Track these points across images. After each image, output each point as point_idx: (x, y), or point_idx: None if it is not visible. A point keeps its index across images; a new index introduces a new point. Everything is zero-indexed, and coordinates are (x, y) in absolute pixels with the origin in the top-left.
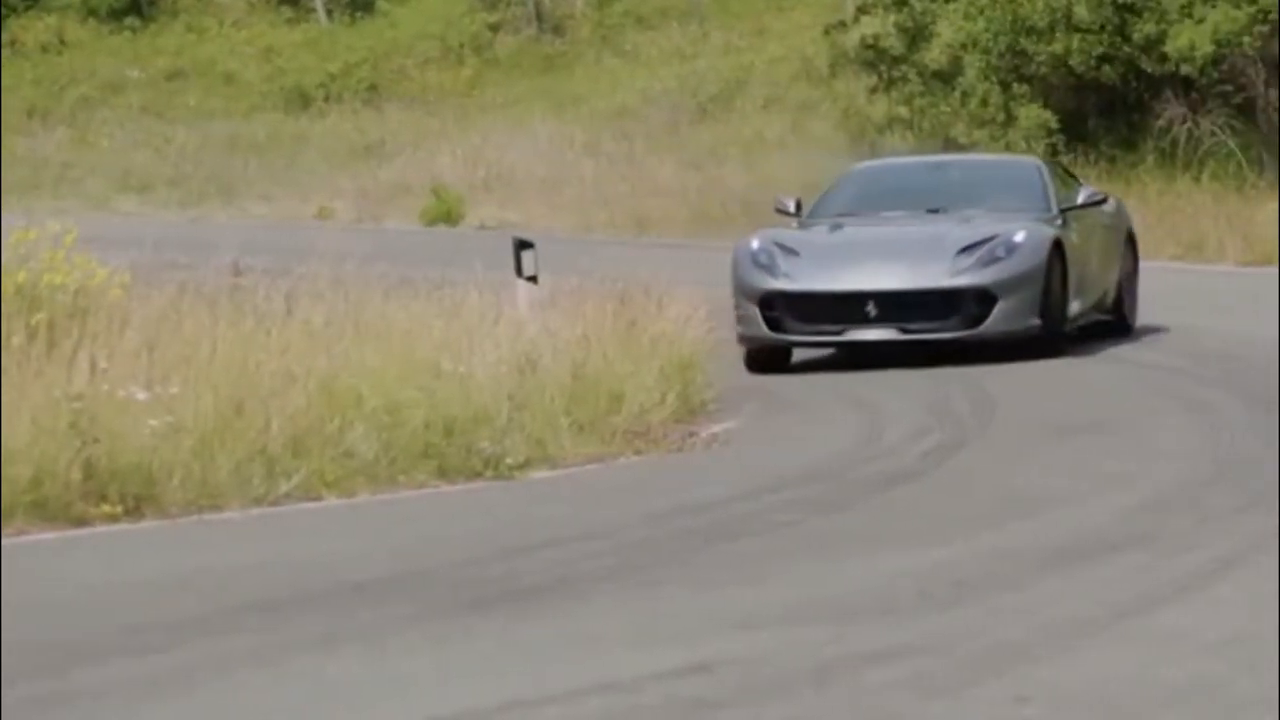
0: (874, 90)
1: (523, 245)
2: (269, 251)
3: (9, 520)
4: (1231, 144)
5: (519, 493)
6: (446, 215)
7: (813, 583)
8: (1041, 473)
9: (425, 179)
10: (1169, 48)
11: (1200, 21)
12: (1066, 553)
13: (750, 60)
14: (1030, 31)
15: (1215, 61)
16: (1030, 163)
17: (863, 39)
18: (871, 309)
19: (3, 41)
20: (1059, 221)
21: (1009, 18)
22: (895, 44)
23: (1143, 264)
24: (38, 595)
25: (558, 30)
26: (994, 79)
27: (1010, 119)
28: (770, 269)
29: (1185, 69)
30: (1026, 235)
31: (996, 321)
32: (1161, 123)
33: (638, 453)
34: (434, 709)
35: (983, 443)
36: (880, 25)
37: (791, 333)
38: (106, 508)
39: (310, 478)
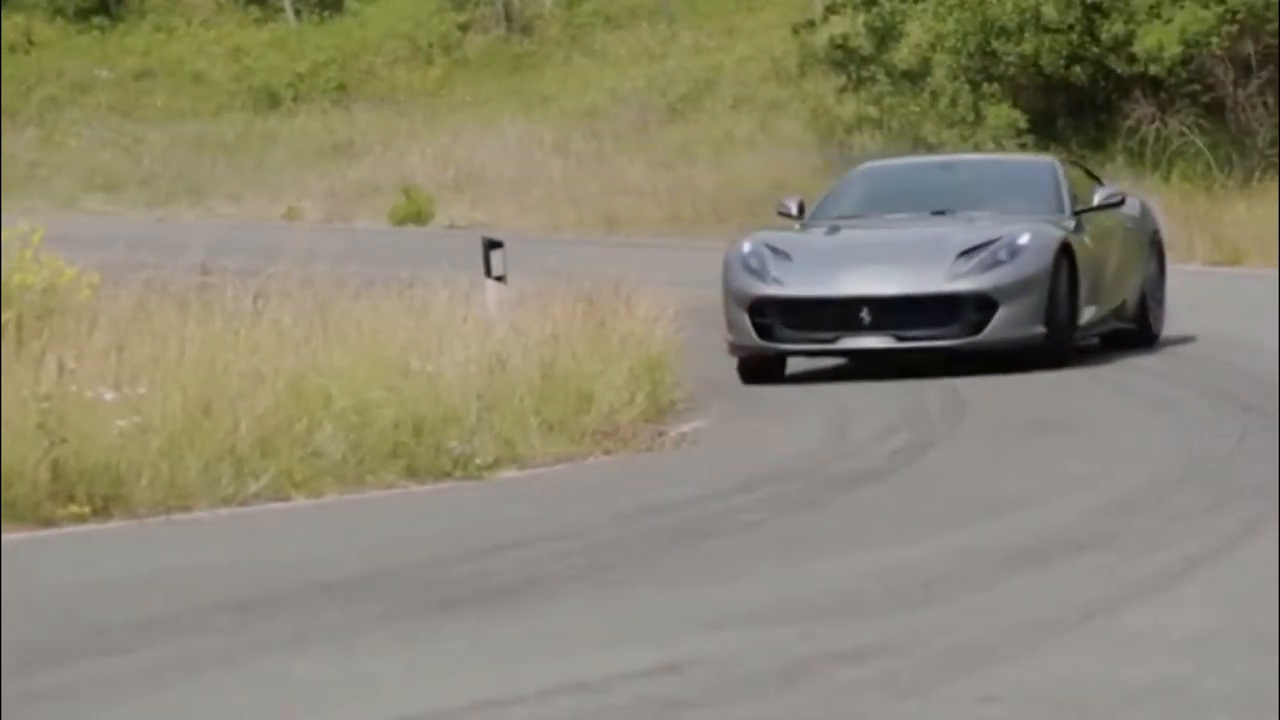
0: (843, 90)
1: (491, 245)
2: (238, 251)
3: None
4: (1200, 144)
5: (488, 493)
6: (416, 215)
7: (782, 582)
8: (1009, 473)
9: (394, 179)
10: (1137, 48)
11: (1168, 22)
12: (1034, 553)
13: (719, 60)
14: (1000, 32)
15: (1184, 61)
16: (1044, 162)
17: (831, 39)
18: (865, 316)
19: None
20: (1071, 223)
21: (978, 18)
22: (864, 44)
23: None
24: (6, 595)
25: (527, 30)
26: (963, 79)
27: (979, 119)
28: (761, 273)
29: (1154, 69)
30: (1031, 237)
31: (997, 329)
32: (1130, 122)
33: (607, 452)
34: (403, 709)
35: (951, 443)
36: (849, 25)
37: (783, 341)
38: (74, 508)
39: (279, 478)
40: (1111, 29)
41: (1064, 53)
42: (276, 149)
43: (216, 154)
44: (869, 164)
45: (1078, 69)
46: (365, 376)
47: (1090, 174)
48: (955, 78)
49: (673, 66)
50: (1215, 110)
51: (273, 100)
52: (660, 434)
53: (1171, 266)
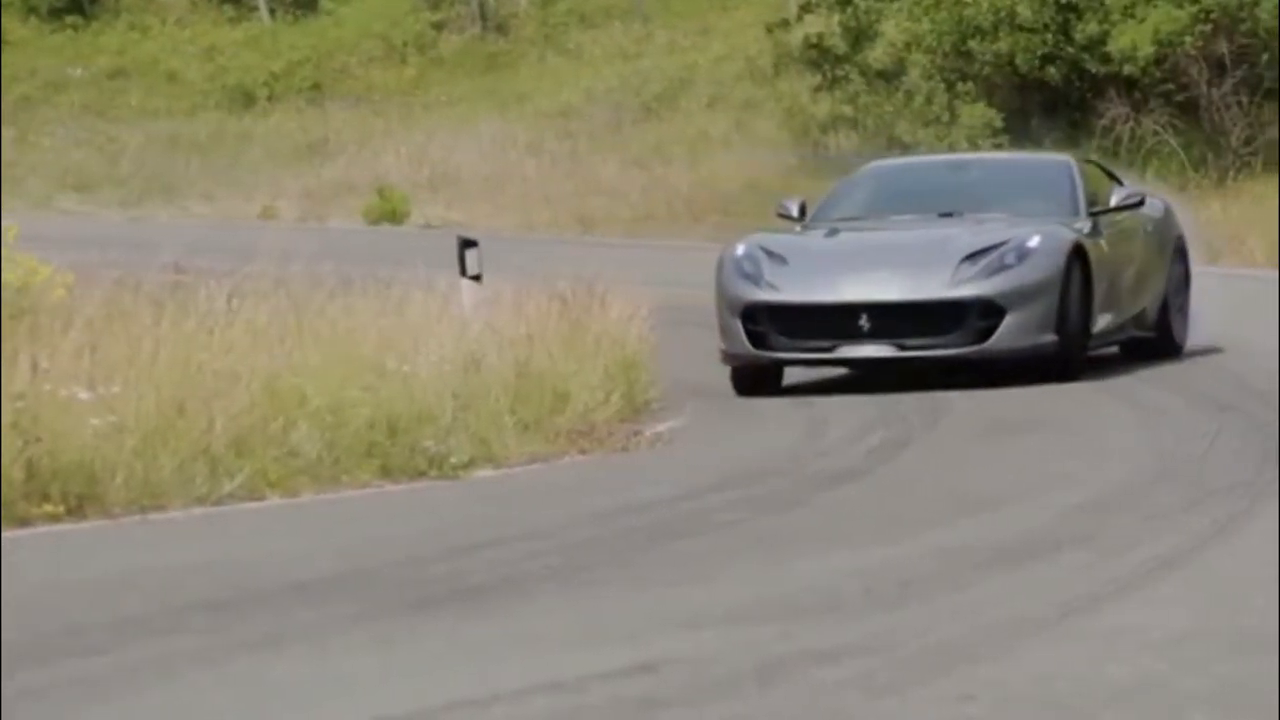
0: (818, 89)
1: (467, 244)
2: (212, 251)
3: None
4: (1174, 143)
5: (463, 492)
6: (390, 214)
7: (759, 582)
8: (987, 472)
9: (369, 178)
10: (1111, 47)
11: (1142, 21)
12: (1012, 552)
13: (694, 59)
14: (975, 31)
15: (1158, 61)
16: (1060, 161)
17: (806, 38)
18: (865, 323)
19: None
20: (1086, 225)
21: (954, 18)
22: (839, 43)
23: None
24: None
25: (501, 29)
26: (938, 78)
27: (954, 118)
28: (755, 278)
29: (1128, 69)
30: (1041, 240)
31: (1004, 337)
32: (1104, 122)
33: (582, 452)
34: (379, 709)
35: (928, 442)
36: (824, 24)
37: (777, 349)
38: (48, 507)
39: (253, 477)
40: (1086, 28)
41: (1039, 52)
42: (251, 148)
43: (191, 153)
44: (875, 163)
45: (1052, 68)
46: (340, 376)
47: (1110, 173)
48: (930, 77)
49: (647, 66)
50: (1189, 109)
51: (247, 99)
52: (636, 433)
53: None
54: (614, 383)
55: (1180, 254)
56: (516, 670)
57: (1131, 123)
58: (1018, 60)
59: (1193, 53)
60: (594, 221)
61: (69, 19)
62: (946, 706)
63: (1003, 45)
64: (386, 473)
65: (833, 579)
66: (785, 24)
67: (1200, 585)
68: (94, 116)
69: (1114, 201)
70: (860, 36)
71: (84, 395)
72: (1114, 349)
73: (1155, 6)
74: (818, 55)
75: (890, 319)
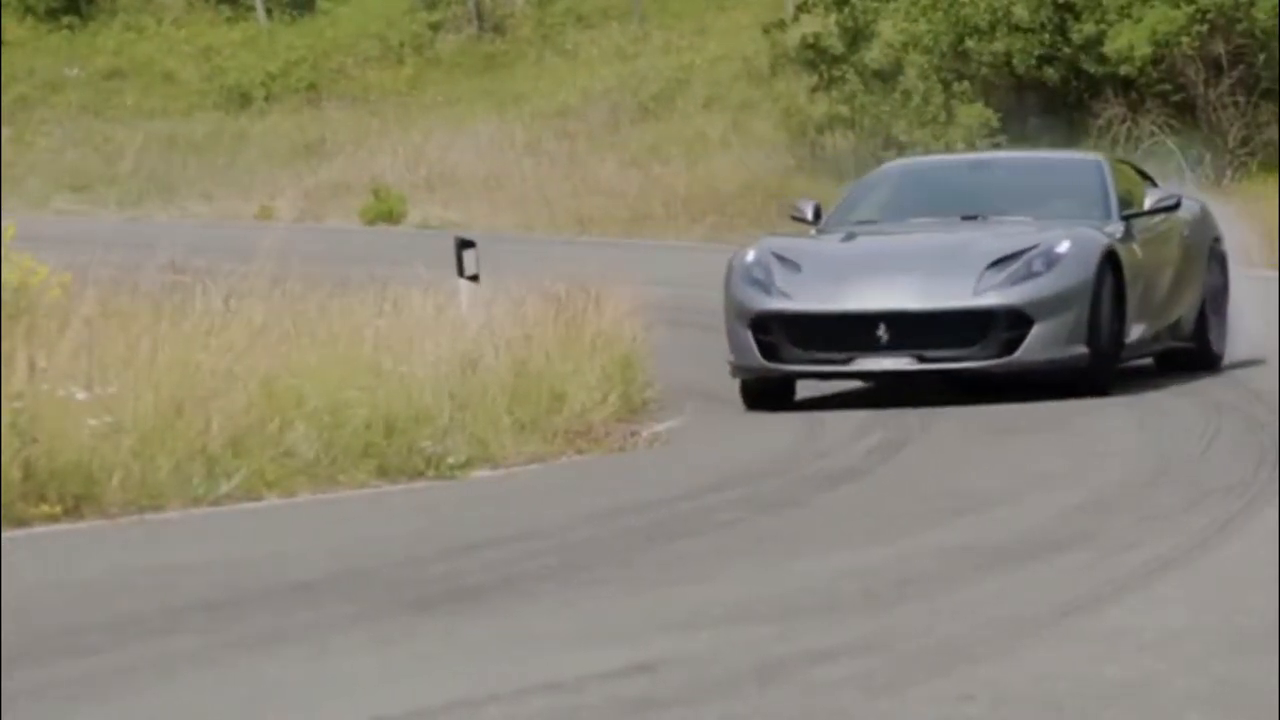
0: (815, 89)
1: (464, 244)
2: (209, 250)
3: None
4: (1171, 143)
5: (461, 492)
6: (387, 214)
7: (756, 581)
8: (985, 472)
9: (366, 178)
10: (1108, 48)
11: (1139, 21)
12: (1010, 551)
13: (691, 59)
14: (972, 31)
15: (1154, 61)
16: (1090, 161)
17: (803, 38)
18: (882, 334)
19: None
20: (1119, 229)
21: (951, 18)
22: (836, 43)
23: None
24: None
25: (498, 29)
26: (935, 78)
27: (951, 118)
28: (766, 285)
29: (1125, 69)
30: (1071, 245)
31: (1032, 349)
32: (1101, 122)
33: (580, 452)
34: (377, 709)
35: (927, 442)
36: (821, 24)
37: (789, 361)
38: (46, 508)
39: (251, 477)
40: (1083, 29)
41: (1036, 52)
42: (248, 148)
43: (188, 153)
44: (893, 163)
45: (1049, 69)
46: (338, 376)
47: (1143, 174)
48: (927, 77)
49: (644, 66)
50: (1186, 110)
51: (244, 100)
52: (634, 433)
53: None
54: (611, 383)
55: (1218, 259)
56: (514, 670)
57: (1128, 123)
58: (1015, 60)
59: (1190, 53)
60: (591, 221)
61: (66, 19)
62: (945, 706)
63: (1000, 45)
64: (384, 473)
65: (831, 579)
66: (782, 24)
67: (1196, 585)
68: (91, 117)
69: (1148, 204)
70: (857, 37)
71: (81, 395)
72: (1148, 361)
73: (1152, 7)
74: (815, 55)
75: (910, 329)
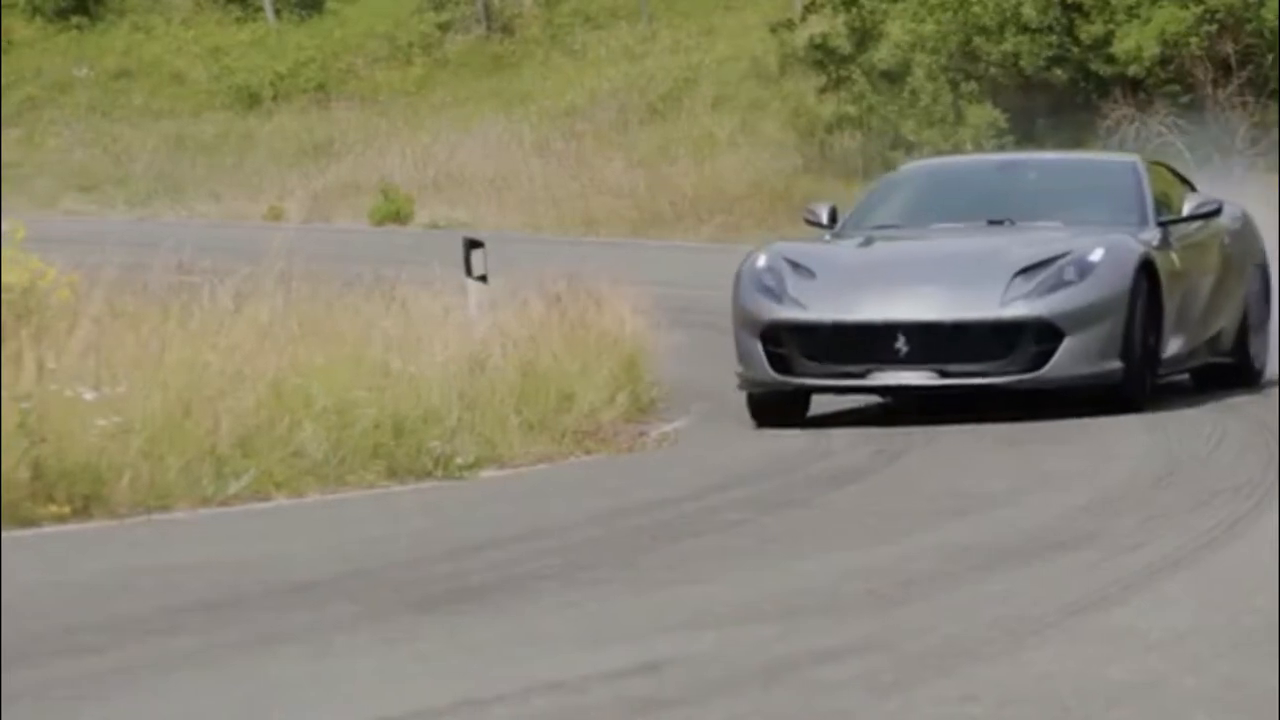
0: (823, 89)
1: (472, 245)
2: (218, 251)
3: None
4: (1179, 144)
5: (469, 492)
6: (395, 215)
7: (761, 581)
8: (989, 472)
9: (374, 178)
10: (1116, 48)
11: (1147, 22)
12: (1014, 551)
13: (699, 59)
14: (980, 31)
15: (1163, 61)
16: (1125, 163)
17: (811, 38)
18: (901, 346)
19: None
20: (1156, 236)
21: (959, 18)
22: (844, 43)
23: None
24: None
25: (506, 29)
26: (943, 78)
27: (959, 118)
28: (777, 293)
29: (1133, 69)
30: (1105, 253)
31: (1062, 364)
32: (1109, 122)
33: (588, 452)
34: (381, 709)
35: (931, 442)
36: (829, 24)
37: (802, 374)
38: (54, 508)
39: (259, 478)
40: (1091, 29)
41: (1044, 53)
42: (256, 148)
43: (196, 154)
44: (916, 163)
45: (1058, 69)
46: (346, 376)
47: (1182, 177)
48: (935, 78)
49: (652, 66)
50: (1195, 110)
51: (252, 100)
52: (641, 434)
53: None
54: (619, 383)
55: (1260, 268)
56: (519, 670)
57: (1137, 123)
58: (1023, 61)
59: (1198, 53)
60: (599, 222)
61: (74, 19)
62: (949, 707)
63: (1008, 46)
64: (392, 473)
65: (836, 579)
66: (790, 24)
67: (1201, 585)
68: (99, 117)
69: (1187, 209)
70: (865, 37)
71: (90, 396)
72: (1185, 377)
73: (1160, 7)
74: (823, 56)
75: (930, 341)
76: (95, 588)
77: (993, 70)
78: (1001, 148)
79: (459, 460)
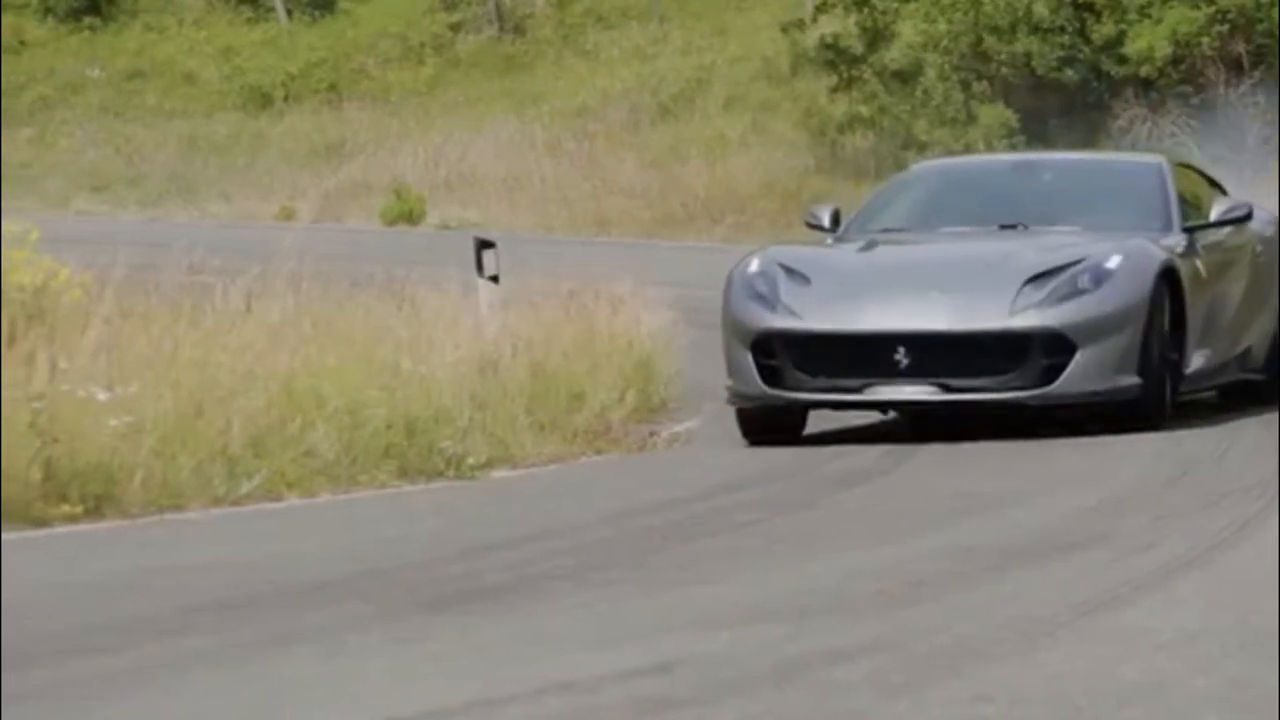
0: (834, 90)
1: (484, 245)
2: (229, 251)
3: None
4: (1191, 144)
5: (480, 492)
6: (407, 215)
7: (772, 582)
8: (1000, 472)
9: (386, 178)
10: (1128, 48)
11: (1159, 22)
12: (1025, 552)
13: (711, 60)
14: (992, 31)
15: (1175, 62)
16: (1149, 164)
17: (822, 38)
18: (902, 358)
19: None
20: (1180, 242)
21: (970, 18)
22: (855, 44)
23: None
24: None
25: (518, 30)
26: (954, 78)
27: (971, 118)
28: (769, 300)
29: (1145, 69)
30: (1123, 260)
31: (1074, 379)
32: (1121, 122)
33: (599, 452)
34: (393, 709)
35: (941, 442)
36: (840, 24)
37: (795, 388)
38: (66, 508)
39: (271, 478)
40: (1103, 29)
41: (1056, 53)
42: (268, 149)
43: (208, 154)
44: (925, 163)
45: (1069, 69)
46: (358, 377)
47: (1211, 180)
48: (946, 78)
49: (664, 66)
50: (1206, 110)
51: (264, 100)
52: (652, 434)
53: None
54: (630, 383)
55: None
56: (531, 670)
57: (1149, 123)
58: (1034, 61)
59: (1210, 53)
60: (611, 222)
61: (86, 20)
62: (960, 707)
63: (1019, 46)
64: (404, 473)
65: (846, 579)
66: (801, 24)
67: (1212, 585)
68: (111, 117)
69: (1214, 214)
70: (877, 37)
71: (102, 396)
72: (1210, 393)
73: (1172, 7)
74: (834, 56)
75: (933, 354)
76: (107, 588)
77: (1004, 70)
78: (1013, 147)
79: (470, 460)
